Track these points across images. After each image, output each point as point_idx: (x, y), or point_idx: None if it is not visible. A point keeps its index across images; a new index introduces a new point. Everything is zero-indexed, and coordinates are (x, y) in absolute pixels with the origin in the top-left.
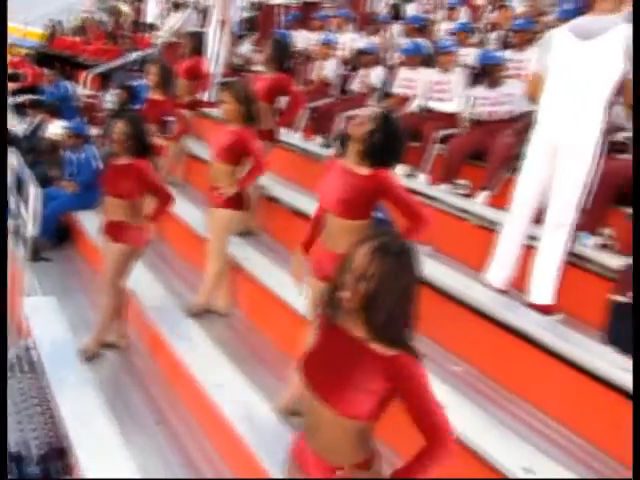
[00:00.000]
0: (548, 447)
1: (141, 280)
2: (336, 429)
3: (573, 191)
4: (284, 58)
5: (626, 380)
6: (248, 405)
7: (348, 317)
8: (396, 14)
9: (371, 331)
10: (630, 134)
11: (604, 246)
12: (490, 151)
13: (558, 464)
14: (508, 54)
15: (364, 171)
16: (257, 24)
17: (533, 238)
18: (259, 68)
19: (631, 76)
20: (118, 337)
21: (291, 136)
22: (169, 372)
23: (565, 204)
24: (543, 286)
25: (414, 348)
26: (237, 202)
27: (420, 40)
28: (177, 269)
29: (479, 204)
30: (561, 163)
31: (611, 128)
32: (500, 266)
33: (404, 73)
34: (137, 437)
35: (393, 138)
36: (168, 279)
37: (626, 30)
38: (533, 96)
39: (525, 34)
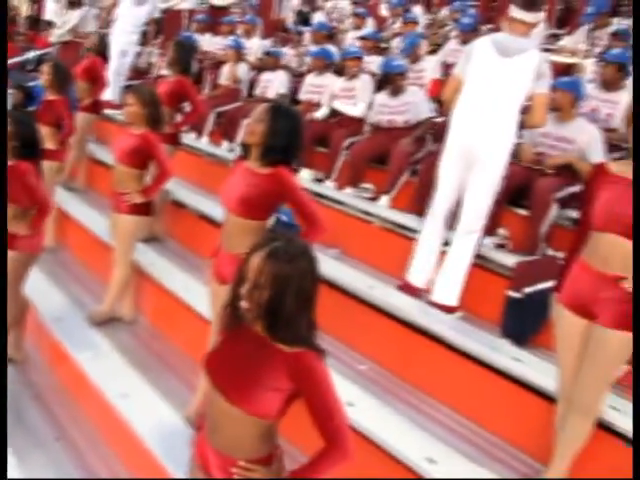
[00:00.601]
0: (452, 438)
1: (40, 289)
2: (241, 427)
3: (485, 200)
4: (187, 61)
5: (520, 370)
6: (155, 413)
7: (250, 320)
8: (304, 22)
9: (272, 334)
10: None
11: (500, 246)
12: (390, 156)
13: (461, 454)
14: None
15: (264, 170)
16: (163, 27)
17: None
18: (164, 72)
19: (539, 92)
20: (14, 350)
21: (198, 140)
22: (71, 385)
23: (477, 212)
24: (450, 288)
25: (316, 345)
26: (142, 208)
27: (329, 46)
28: (79, 277)
29: (382, 207)
30: (475, 174)
31: None
32: (421, 267)
33: (311, 79)
34: (34, 456)
35: (288, 131)
36: (70, 287)
37: (537, 56)
38: (449, 100)
39: (418, 47)
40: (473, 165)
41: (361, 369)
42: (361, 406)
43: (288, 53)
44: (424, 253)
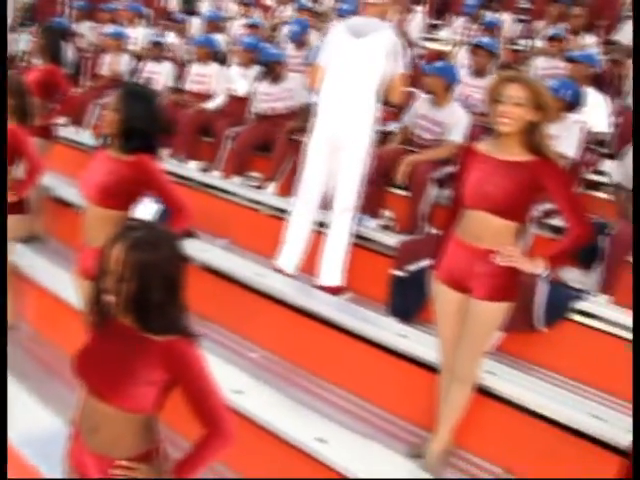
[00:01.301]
0: (345, 418)
1: None
2: (119, 425)
3: (355, 178)
4: (57, 49)
5: (406, 346)
6: (35, 423)
7: (118, 314)
8: (189, 10)
9: (143, 325)
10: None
11: (386, 227)
12: (274, 144)
13: (352, 432)
14: (290, 50)
15: (126, 158)
16: (36, 13)
17: (319, 224)
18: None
19: (396, 71)
20: None
21: (81, 134)
22: None
23: (349, 191)
24: (333, 268)
25: (190, 331)
26: (14, 206)
27: (218, 36)
28: None
29: (269, 194)
30: (343, 154)
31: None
32: (290, 252)
33: (196, 68)
34: None
35: (146, 116)
36: None
37: (390, 35)
38: (314, 87)
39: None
40: (339, 147)
41: (252, 357)
42: (251, 393)
43: (174, 42)
44: (293, 239)
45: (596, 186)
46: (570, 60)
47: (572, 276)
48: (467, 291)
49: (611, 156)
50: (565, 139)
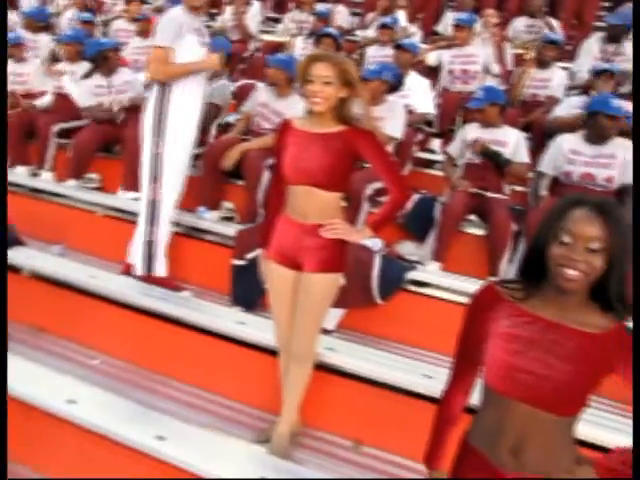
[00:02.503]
0: (190, 413)
1: None
2: None
3: (144, 163)
4: None
5: (245, 332)
6: None
7: None
8: (10, 3)
9: None
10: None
11: (229, 219)
12: (123, 143)
13: (197, 426)
14: (137, 41)
15: None
16: None
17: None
18: None
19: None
20: None
21: None
22: None
23: (143, 176)
24: (138, 258)
25: None
26: None
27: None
28: None
29: (113, 197)
30: None
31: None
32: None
33: (13, 68)
34: None
35: None
36: None
37: (166, 14)
38: None
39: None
40: None
41: (93, 364)
42: (86, 401)
43: None
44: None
45: (426, 163)
46: (397, 47)
47: (408, 249)
48: (299, 267)
49: (437, 134)
50: (390, 120)
